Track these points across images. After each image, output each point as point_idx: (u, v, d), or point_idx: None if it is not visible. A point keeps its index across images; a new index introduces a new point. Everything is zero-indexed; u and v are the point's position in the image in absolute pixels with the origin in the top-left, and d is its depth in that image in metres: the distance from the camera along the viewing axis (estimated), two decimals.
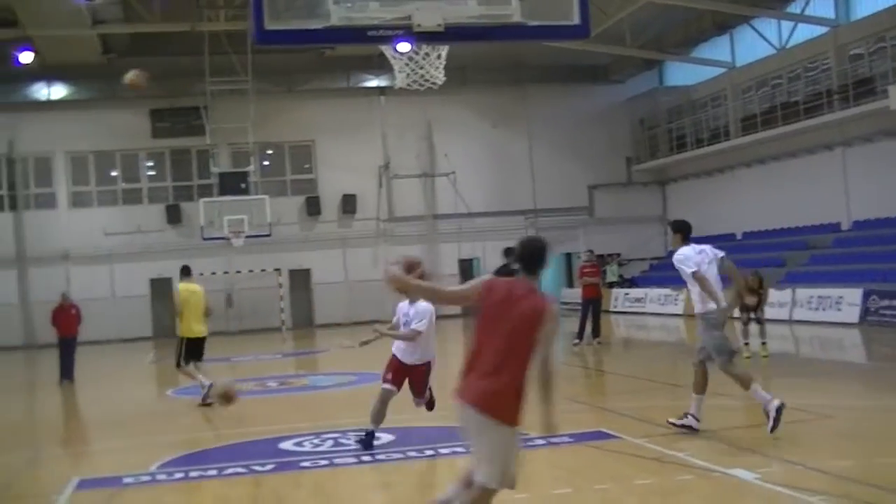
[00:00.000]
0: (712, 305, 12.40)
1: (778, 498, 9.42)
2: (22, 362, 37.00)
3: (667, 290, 38.69)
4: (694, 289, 12.65)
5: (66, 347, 25.31)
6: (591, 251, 29.58)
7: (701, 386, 12.66)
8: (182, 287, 19.55)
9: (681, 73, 47.02)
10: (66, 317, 25.40)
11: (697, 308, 12.69)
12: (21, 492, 11.92)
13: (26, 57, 41.57)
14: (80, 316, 25.69)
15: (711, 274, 12.63)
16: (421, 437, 13.95)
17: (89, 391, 23.99)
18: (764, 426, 11.79)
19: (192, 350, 19.08)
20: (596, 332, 26.61)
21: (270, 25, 9.11)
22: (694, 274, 12.49)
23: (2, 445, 15.74)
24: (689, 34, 42.45)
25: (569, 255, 48.86)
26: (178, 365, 19.25)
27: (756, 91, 40.95)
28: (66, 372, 25.01)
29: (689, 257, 12.76)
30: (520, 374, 6.97)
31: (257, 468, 12.03)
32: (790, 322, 31.05)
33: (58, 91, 45.00)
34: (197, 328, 19.12)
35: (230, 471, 12.04)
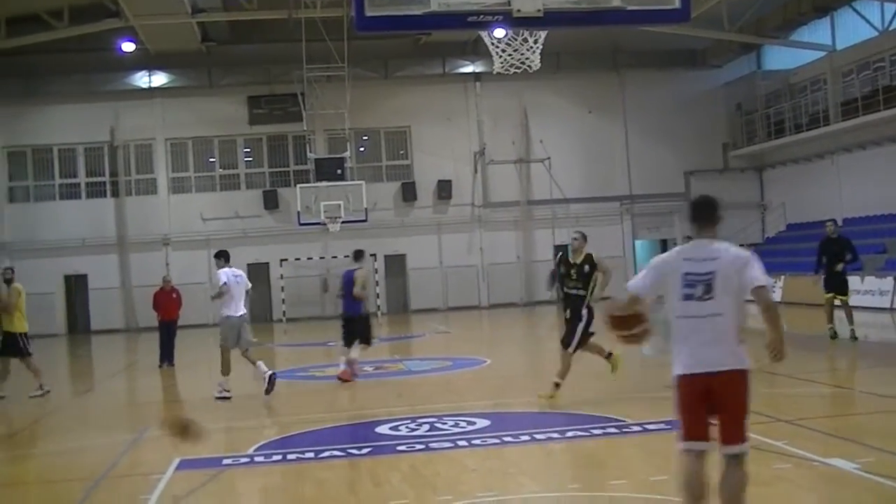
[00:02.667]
0: None
1: (878, 488, 9.24)
2: (123, 345, 37.63)
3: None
4: None
5: (167, 331, 25.66)
6: (689, 237, 29.19)
7: None
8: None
9: (779, 57, 46.28)
10: (166, 300, 25.74)
11: None
12: (125, 472, 12.14)
13: (128, 46, 42.37)
14: (181, 300, 26.00)
15: None
16: (516, 422, 13.97)
17: (188, 374, 24.34)
18: (864, 415, 11.62)
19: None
20: None
21: (371, 12, 9.16)
22: None
23: (105, 427, 16.05)
24: (788, 17, 41.66)
25: (664, 242, 48.48)
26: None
27: (857, 74, 40.18)
28: (167, 355, 25.37)
29: None
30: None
31: (354, 451, 12.13)
32: (891, 310, 30.48)
33: (158, 79, 45.63)
34: None
35: (327, 454, 12.14)
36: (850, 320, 21.80)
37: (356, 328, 19.84)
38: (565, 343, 15.47)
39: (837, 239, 22.27)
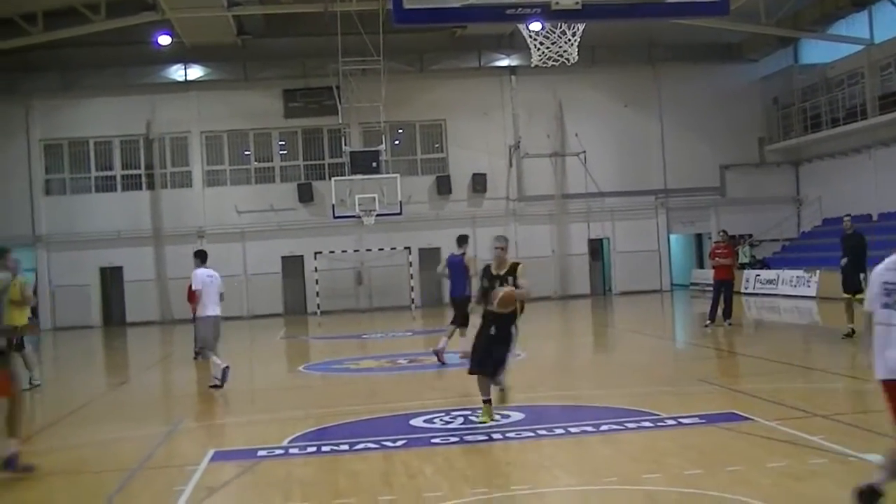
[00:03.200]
0: None
1: None
2: (158, 337, 37.83)
3: (799, 272, 38.02)
4: None
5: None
6: (724, 232, 29.05)
7: None
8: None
9: (816, 51, 45.95)
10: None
11: None
12: (160, 463, 12.20)
13: (164, 39, 42.56)
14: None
15: None
16: (550, 415, 13.95)
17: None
18: None
19: None
20: (727, 313, 26.24)
21: (409, 4, 9.15)
22: None
23: (141, 418, 16.14)
24: (825, 11, 41.35)
25: (700, 236, 48.34)
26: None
27: (895, 68, 39.88)
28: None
29: None
30: None
31: (388, 444, 12.14)
32: None
33: (194, 72, 45.80)
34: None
35: (361, 446, 12.18)
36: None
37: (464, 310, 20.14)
38: (491, 371, 13.16)
39: (852, 235, 22.14)
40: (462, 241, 21.02)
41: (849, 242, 21.93)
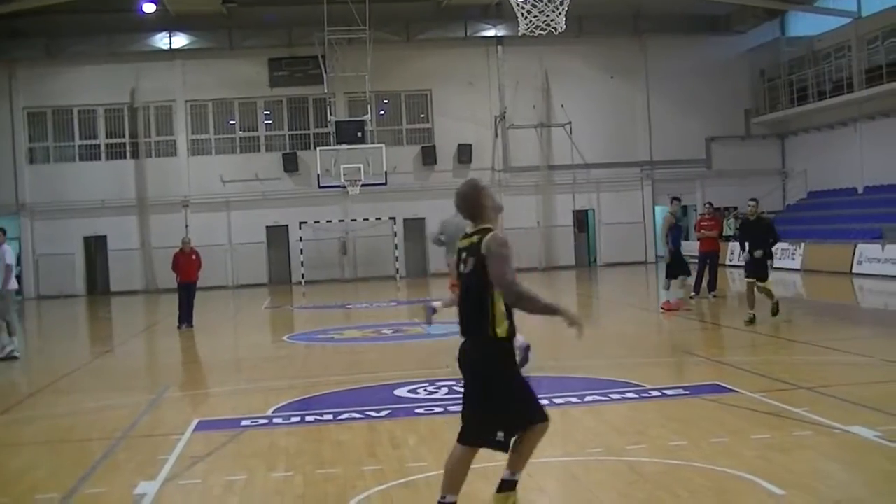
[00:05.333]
0: None
1: None
2: (143, 307, 37.78)
3: (784, 245, 38.05)
4: None
5: (186, 292, 25.66)
6: (710, 204, 29.10)
7: None
8: None
9: (804, 24, 45.87)
10: (186, 262, 25.65)
11: None
12: (144, 432, 12.17)
13: (149, 7, 42.32)
14: (200, 262, 25.93)
15: None
16: (534, 386, 13.94)
17: (207, 336, 24.40)
18: (886, 384, 11.56)
19: None
20: (712, 285, 26.30)
21: None
22: None
23: (125, 387, 16.11)
24: None
25: (685, 208, 48.34)
26: None
27: (882, 42, 39.79)
28: (186, 317, 25.42)
29: None
30: None
31: (372, 414, 12.15)
32: None
33: (179, 41, 45.55)
34: None
35: (345, 416, 12.18)
36: (771, 297, 20.28)
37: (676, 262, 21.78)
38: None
39: (758, 221, 20.65)
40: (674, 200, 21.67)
41: (754, 228, 20.58)
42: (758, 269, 20.10)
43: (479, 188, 7.54)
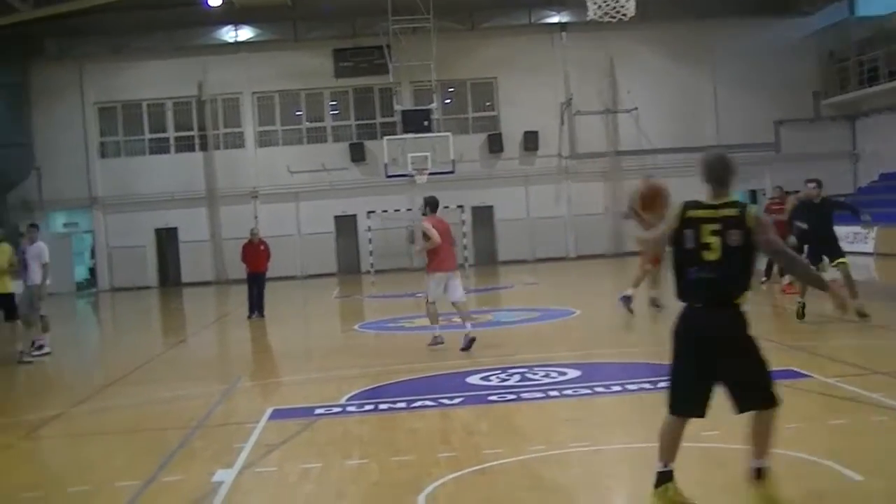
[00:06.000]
0: None
1: None
2: (214, 297, 38.13)
3: (856, 228, 37.56)
4: None
5: (255, 283, 25.85)
6: (779, 187, 28.77)
7: None
8: None
9: (873, 3, 45.14)
10: (254, 253, 25.86)
11: None
12: (219, 421, 12.31)
13: (214, 1, 42.59)
14: (269, 252, 26.11)
15: None
16: (607, 372, 13.94)
17: (279, 326, 24.58)
18: None
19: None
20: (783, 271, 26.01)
21: None
22: None
23: (199, 377, 16.29)
24: None
25: (754, 192, 47.86)
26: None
27: None
28: (256, 307, 25.61)
29: None
30: None
31: (445, 401, 12.19)
32: None
33: (244, 33, 45.89)
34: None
35: (418, 403, 12.24)
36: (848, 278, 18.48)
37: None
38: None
39: (822, 203, 19.48)
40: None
41: (817, 211, 19.43)
42: (832, 250, 19.04)
43: (730, 156, 7.66)
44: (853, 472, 7.94)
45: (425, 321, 20.02)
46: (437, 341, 17.16)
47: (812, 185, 19.83)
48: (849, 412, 10.29)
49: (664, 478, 7.38)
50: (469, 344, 16.50)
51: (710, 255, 7.24)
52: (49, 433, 12.26)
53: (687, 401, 7.42)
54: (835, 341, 15.47)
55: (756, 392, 7.40)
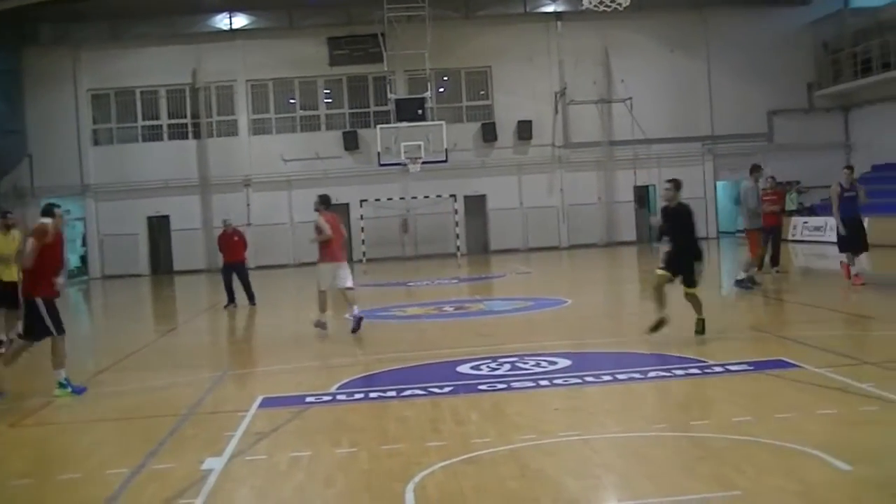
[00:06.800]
0: None
1: None
2: (206, 286, 38.08)
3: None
4: None
5: (229, 273, 25.67)
6: (773, 178, 28.74)
7: None
8: None
9: None
10: (228, 243, 25.77)
11: None
12: (210, 409, 12.30)
13: None
14: (245, 242, 26.00)
15: None
16: (597, 362, 13.95)
17: (271, 314, 24.56)
18: None
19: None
20: (775, 260, 26.06)
21: None
22: None
23: (190, 365, 16.26)
24: None
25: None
26: None
27: None
28: (248, 297, 25.55)
29: None
30: None
31: (435, 390, 12.18)
32: None
33: (239, 21, 45.87)
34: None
35: (409, 392, 12.24)
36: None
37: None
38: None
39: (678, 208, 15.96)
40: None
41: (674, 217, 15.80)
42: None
43: None
44: (842, 462, 7.94)
45: (417, 310, 20.12)
46: (320, 325, 18.54)
47: (847, 171, 22.08)
48: (839, 402, 10.30)
49: None
50: (358, 324, 18.02)
51: None
52: (40, 421, 12.25)
53: None
54: (825, 332, 15.48)
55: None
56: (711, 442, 9.06)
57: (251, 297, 25.62)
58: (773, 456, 8.40)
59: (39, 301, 13.27)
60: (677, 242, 15.47)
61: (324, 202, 19.12)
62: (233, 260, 25.72)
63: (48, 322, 13.29)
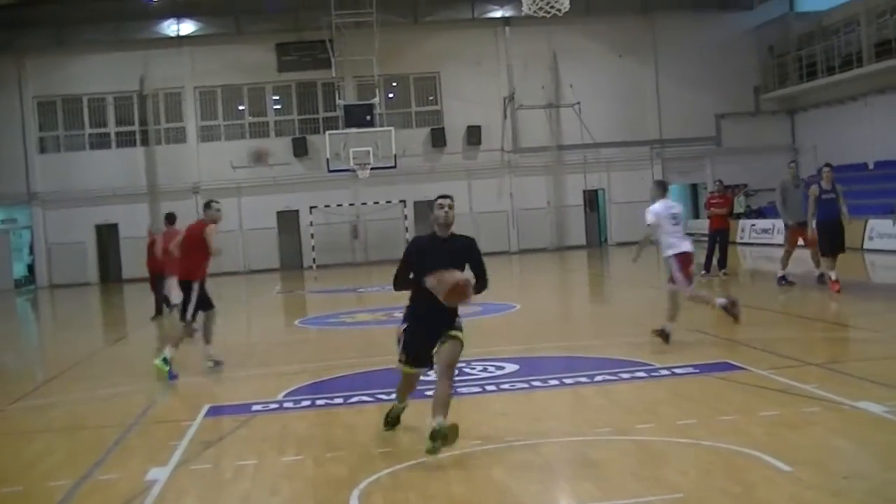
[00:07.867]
0: None
1: None
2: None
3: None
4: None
5: (159, 282, 25.08)
6: (720, 181, 28.99)
7: None
8: None
9: None
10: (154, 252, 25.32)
11: None
12: (156, 417, 12.26)
13: None
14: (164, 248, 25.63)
15: None
16: (544, 366, 13.99)
17: (219, 322, 24.39)
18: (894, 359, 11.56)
19: None
20: (722, 263, 26.29)
21: None
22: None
23: (138, 374, 16.15)
24: None
25: (695, 186, 48.26)
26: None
27: (891, 15, 39.50)
28: (161, 308, 25.11)
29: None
30: None
31: (383, 397, 12.15)
32: None
33: (186, 27, 45.65)
34: None
35: (356, 399, 12.25)
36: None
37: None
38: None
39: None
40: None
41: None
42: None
43: None
44: (783, 462, 8.02)
45: (367, 316, 20.09)
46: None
47: (827, 169, 21.56)
48: (781, 404, 10.39)
49: None
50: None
51: None
52: None
53: None
54: (770, 334, 15.61)
55: None
56: (655, 445, 9.14)
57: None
58: (716, 458, 8.48)
59: None
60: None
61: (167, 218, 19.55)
62: (158, 270, 24.90)
63: None
